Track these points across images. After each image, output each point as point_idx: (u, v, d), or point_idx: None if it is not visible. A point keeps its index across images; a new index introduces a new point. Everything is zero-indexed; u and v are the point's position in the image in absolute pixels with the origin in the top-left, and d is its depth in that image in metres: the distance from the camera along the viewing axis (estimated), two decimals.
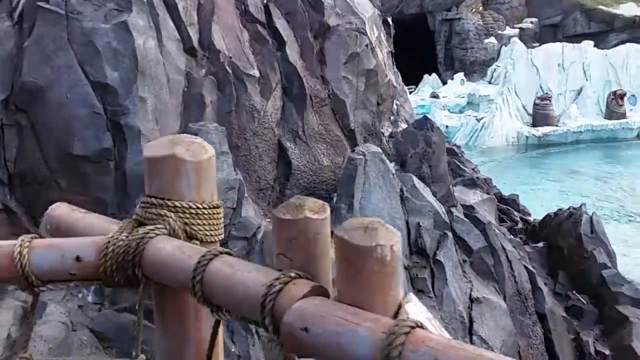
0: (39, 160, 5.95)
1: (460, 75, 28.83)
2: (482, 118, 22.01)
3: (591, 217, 8.38)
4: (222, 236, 1.86)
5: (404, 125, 7.95)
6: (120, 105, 5.82)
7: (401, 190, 6.29)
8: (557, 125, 22.42)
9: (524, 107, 22.86)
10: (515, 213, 10.37)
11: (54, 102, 5.86)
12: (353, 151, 6.97)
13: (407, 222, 6.16)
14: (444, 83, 28.65)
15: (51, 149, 5.91)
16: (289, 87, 6.88)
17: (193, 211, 1.62)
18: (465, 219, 6.79)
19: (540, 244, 8.73)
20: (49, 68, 5.89)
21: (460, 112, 24.36)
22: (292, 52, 6.96)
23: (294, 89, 6.87)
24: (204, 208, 1.63)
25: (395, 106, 8.06)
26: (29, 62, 5.87)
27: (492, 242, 6.71)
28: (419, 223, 6.19)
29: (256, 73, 6.65)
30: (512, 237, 8.11)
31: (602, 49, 27.00)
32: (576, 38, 37.57)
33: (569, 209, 8.68)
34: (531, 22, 42.75)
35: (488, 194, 9.54)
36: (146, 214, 1.60)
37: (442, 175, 7.50)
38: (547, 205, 13.82)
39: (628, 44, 25.52)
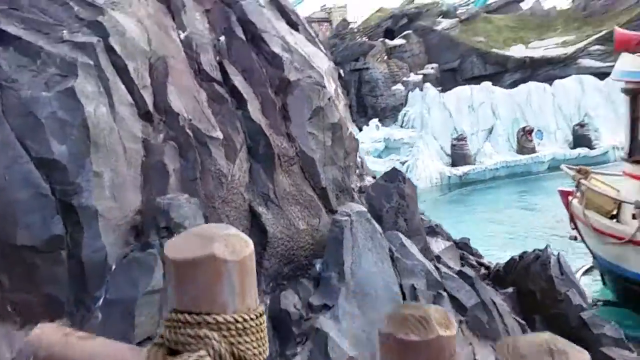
0: None
1: (374, 121, 29.36)
2: (405, 161, 22.15)
3: (558, 258, 8.17)
4: (268, 352, 1.30)
5: (369, 179, 7.46)
6: (72, 183, 4.92)
7: (390, 250, 5.73)
8: (474, 164, 22.95)
9: (442, 148, 23.29)
10: (471, 257, 10.09)
11: None
12: (336, 212, 6.37)
13: (401, 286, 5.59)
14: (360, 129, 28.94)
15: None
16: (255, 147, 6.22)
17: (240, 325, 1.24)
18: (455, 275, 6.31)
19: (510, 289, 8.40)
20: None
21: (379, 156, 24.54)
22: (254, 109, 6.33)
23: (260, 148, 6.22)
24: (251, 319, 1.26)
25: (359, 159, 7.58)
26: None
27: (483, 298, 6.25)
28: (413, 285, 5.63)
29: (219, 135, 5.95)
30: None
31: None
32: (474, 80, 39.41)
33: (534, 251, 8.44)
34: (432, 68, 44.55)
35: (449, 240, 9.20)
36: (178, 337, 1.19)
37: (417, 228, 7.03)
38: (491, 242, 13.81)
39: (530, 83, 26.85)
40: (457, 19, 46.84)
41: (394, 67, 38.73)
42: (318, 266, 5.90)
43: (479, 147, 23.71)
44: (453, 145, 22.99)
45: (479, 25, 45.79)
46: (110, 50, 5.46)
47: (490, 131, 24.45)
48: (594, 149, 25.56)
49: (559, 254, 8.25)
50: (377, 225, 5.75)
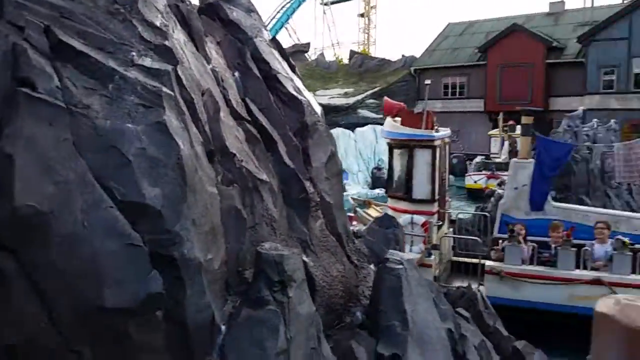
0: (43, 325, 3.72)
1: None
2: None
3: (482, 294, 8.96)
4: None
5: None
6: (168, 231, 4.06)
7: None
8: None
9: None
10: None
11: (64, 234, 3.78)
12: (349, 257, 6.24)
13: (447, 330, 5.70)
14: None
15: (63, 305, 3.76)
16: (288, 192, 5.83)
17: None
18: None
19: None
20: (53, 185, 3.81)
21: None
22: (284, 152, 5.95)
23: (294, 193, 5.85)
24: None
25: None
26: (22, 176, 3.70)
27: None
28: (449, 329, 5.79)
29: (266, 178, 5.45)
30: None
31: None
32: None
33: (458, 288, 9.14)
34: None
35: None
36: None
37: None
38: None
39: (337, 128, 28.65)
40: None
41: None
42: (359, 315, 5.71)
43: None
44: None
45: None
46: (179, 80, 4.70)
47: None
48: None
49: (479, 290, 9.09)
50: (421, 273, 5.80)
